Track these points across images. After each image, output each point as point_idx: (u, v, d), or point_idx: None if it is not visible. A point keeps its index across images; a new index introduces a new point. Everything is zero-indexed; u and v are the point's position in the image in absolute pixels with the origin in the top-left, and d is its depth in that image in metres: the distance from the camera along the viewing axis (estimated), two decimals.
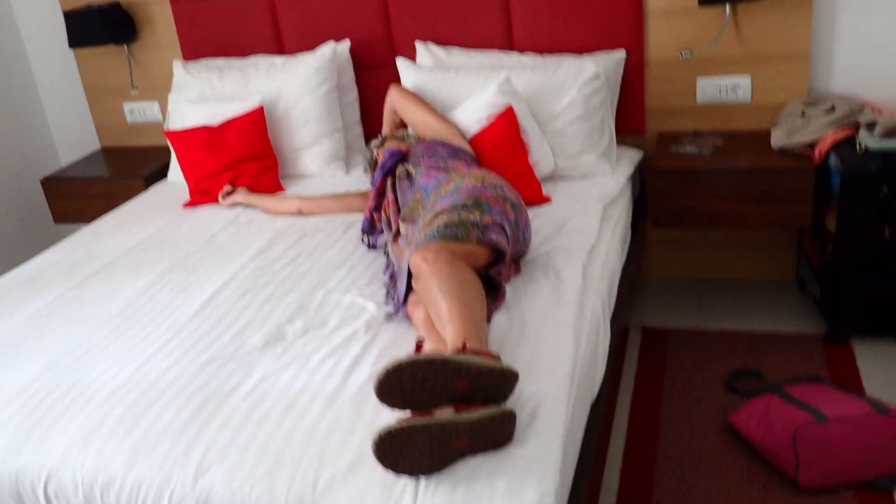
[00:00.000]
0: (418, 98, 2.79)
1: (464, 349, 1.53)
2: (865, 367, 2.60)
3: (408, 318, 1.97)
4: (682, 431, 2.39)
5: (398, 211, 2.28)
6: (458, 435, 1.42)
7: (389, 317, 2.00)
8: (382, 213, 2.36)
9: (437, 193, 2.17)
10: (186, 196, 3.03)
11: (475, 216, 1.96)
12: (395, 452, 1.39)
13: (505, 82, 2.69)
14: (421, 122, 2.69)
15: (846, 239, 2.57)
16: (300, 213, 2.73)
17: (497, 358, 1.54)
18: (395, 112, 2.85)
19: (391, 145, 2.59)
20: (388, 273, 2.20)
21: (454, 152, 2.47)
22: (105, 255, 2.60)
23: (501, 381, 1.50)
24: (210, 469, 1.55)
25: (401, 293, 1.96)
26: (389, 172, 2.38)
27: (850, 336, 2.75)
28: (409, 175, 2.33)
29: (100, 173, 3.45)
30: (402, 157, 2.42)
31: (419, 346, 1.54)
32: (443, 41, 3.12)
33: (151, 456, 1.59)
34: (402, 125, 2.88)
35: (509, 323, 1.91)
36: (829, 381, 2.39)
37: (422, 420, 1.39)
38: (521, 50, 3.04)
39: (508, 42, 3.06)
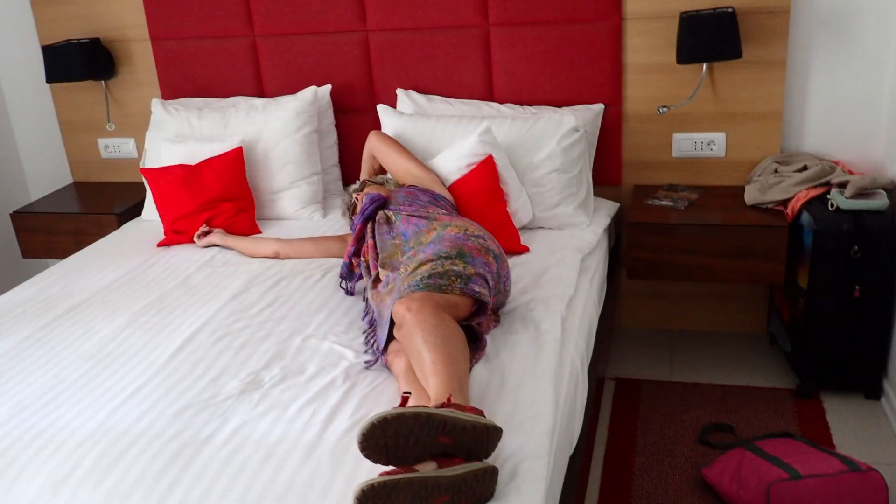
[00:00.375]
0: (399, 144, 2.81)
1: (448, 404, 1.52)
2: (835, 421, 2.63)
3: (387, 367, 1.95)
4: (656, 484, 2.39)
5: (377, 256, 2.28)
6: (441, 491, 1.41)
7: (369, 365, 1.98)
8: (362, 258, 2.36)
9: (418, 241, 2.18)
10: (161, 235, 3.00)
11: (459, 267, 1.97)
12: None
13: (485, 132, 2.72)
14: (402, 169, 2.70)
15: (817, 295, 2.62)
16: (277, 255, 2.71)
17: (481, 413, 1.53)
18: (374, 158, 2.86)
19: (371, 190, 2.60)
20: (367, 319, 2.19)
21: (434, 199, 2.49)
22: (78, 293, 2.55)
23: (485, 438, 1.49)
24: None
25: (381, 341, 1.95)
26: (370, 218, 2.39)
27: (820, 391, 2.79)
28: (388, 221, 2.33)
29: (71, 209, 3.41)
30: (382, 203, 2.42)
31: (405, 400, 1.53)
32: (424, 89, 3.16)
33: None
34: (381, 171, 2.89)
35: (489, 375, 1.90)
36: (800, 436, 2.41)
37: (405, 476, 1.38)
38: (502, 101, 3.08)
39: (489, 93, 3.10)
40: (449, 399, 1.54)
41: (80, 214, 3.34)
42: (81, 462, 1.67)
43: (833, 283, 2.59)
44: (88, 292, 2.55)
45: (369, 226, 2.37)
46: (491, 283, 2.03)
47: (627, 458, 2.52)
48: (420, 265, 2.01)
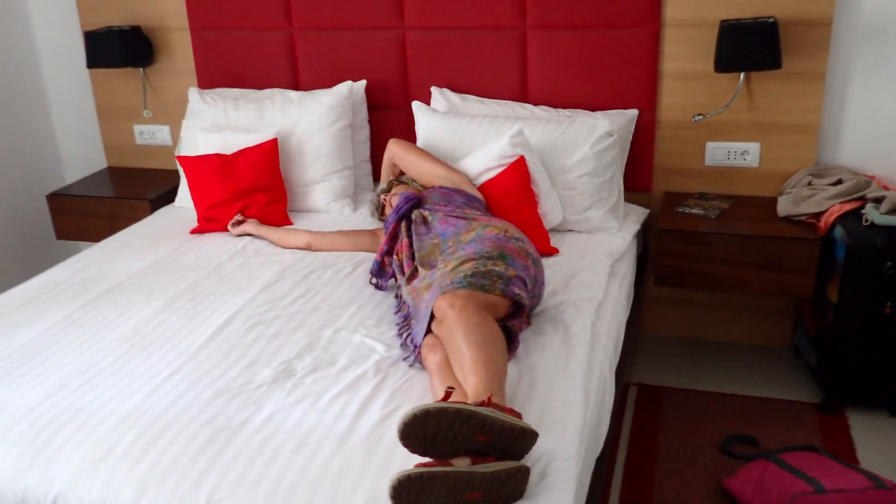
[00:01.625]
0: (421, 149, 2.82)
1: (489, 403, 1.54)
2: (860, 438, 2.62)
3: (419, 362, 1.97)
4: (677, 491, 2.39)
5: (412, 255, 2.30)
6: (475, 487, 1.42)
7: (405, 360, 2.00)
8: (395, 256, 2.38)
9: (457, 240, 2.19)
10: (194, 222, 3.04)
11: (500, 268, 1.99)
12: (412, 498, 1.39)
13: (517, 134, 2.73)
14: (430, 173, 2.70)
15: (847, 310, 2.61)
16: (309, 247, 2.74)
17: (519, 416, 1.55)
18: (394, 166, 2.86)
19: (400, 190, 2.62)
20: (399, 315, 2.21)
21: (469, 201, 2.51)
22: (113, 276, 2.59)
23: (521, 440, 1.51)
24: None
25: (418, 336, 1.97)
26: (404, 217, 2.41)
27: (845, 406, 2.78)
28: (425, 221, 2.35)
29: (105, 193, 3.45)
30: (416, 202, 2.44)
31: (448, 395, 1.55)
32: (458, 88, 3.17)
33: (160, 487, 1.58)
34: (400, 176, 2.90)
35: (519, 375, 1.92)
36: (824, 450, 2.41)
37: (441, 469, 1.39)
38: (536, 102, 3.09)
39: (523, 94, 3.11)
40: (489, 398, 1.56)
41: (114, 199, 3.39)
42: (119, 443, 1.70)
43: (864, 298, 2.58)
44: (123, 276, 2.59)
45: (403, 225, 2.39)
46: (529, 285, 2.04)
47: (649, 464, 2.52)
48: (462, 262, 2.02)
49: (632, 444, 2.63)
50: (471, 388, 1.65)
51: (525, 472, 1.49)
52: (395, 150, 2.82)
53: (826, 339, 2.71)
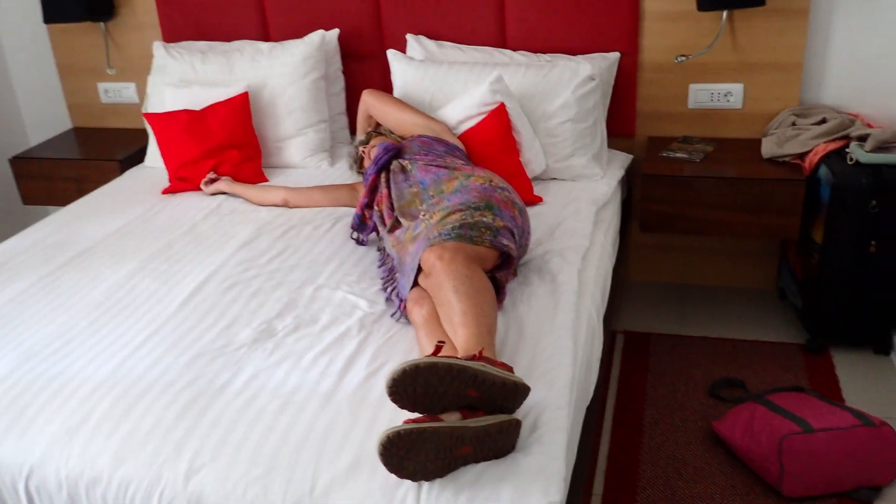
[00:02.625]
0: (397, 99, 2.73)
1: (479, 357, 1.49)
2: (845, 377, 2.62)
3: (405, 316, 1.92)
4: (666, 438, 2.39)
5: (391, 206, 2.23)
6: (465, 442, 1.39)
7: (392, 315, 1.95)
8: (375, 208, 2.31)
9: (438, 189, 2.13)
10: (165, 182, 2.94)
11: (488, 218, 1.93)
12: (402, 455, 1.35)
13: (497, 80, 2.65)
14: (408, 122, 2.62)
15: (833, 250, 2.59)
16: (286, 204, 2.66)
17: (510, 369, 1.51)
18: (369, 118, 2.77)
19: (379, 141, 2.54)
20: (383, 268, 2.15)
21: (450, 149, 2.44)
22: (82, 240, 2.50)
23: (513, 395, 1.47)
24: (202, 469, 1.49)
25: (404, 289, 1.92)
26: (383, 168, 2.33)
27: (830, 346, 2.77)
28: (404, 170, 2.28)
29: (72, 154, 3.34)
30: (396, 153, 2.37)
31: (438, 349, 1.50)
32: (434, 35, 3.07)
33: (139, 454, 1.53)
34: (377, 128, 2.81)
35: (506, 327, 1.88)
36: (811, 391, 2.41)
37: (431, 425, 1.36)
38: (515, 48, 3.00)
39: (501, 40, 3.02)
40: (480, 352, 1.51)
41: (81, 160, 3.28)
42: (95, 409, 1.65)
43: (849, 237, 2.55)
44: (94, 240, 2.50)
45: (383, 176, 2.32)
46: (516, 236, 1.99)
47: (638, 411, 2.51)
48: (449, 214, 1.97)
49: (620, 391, 2.62)
50: (461, 341, 1.60)
51: (516, 425, 1.46)
52: (369, 101, 2.73)
53: (811, 280, 2.70)
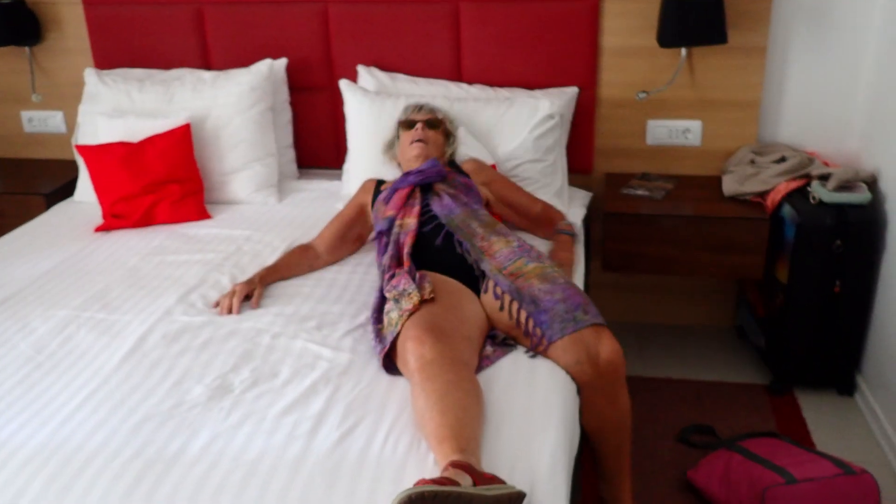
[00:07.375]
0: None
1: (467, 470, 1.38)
2: (812, 418, 2.59)
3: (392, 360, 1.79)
4: (642, 484, 2.29)
5: (420, 222, 2.17)
6: None
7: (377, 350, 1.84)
8: (397, 223, 2.19)
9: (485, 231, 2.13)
10: (98, 219, 2.72)
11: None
12: None
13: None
14: (525, 209, 2.52)
15: (798, 290, 2.56)
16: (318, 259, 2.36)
17: (503, 483, 1.39)
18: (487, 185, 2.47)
19: (431, 152, 2.44)
20: (377, 298, 2.00)
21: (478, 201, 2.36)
22: (7, 283, 2.26)
23: None
24: None
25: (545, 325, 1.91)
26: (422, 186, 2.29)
27: (794, 387, 2.74)
28: (438, 194, 2.25)
29: None
30: (441, 179, 2.31)
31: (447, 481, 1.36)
32: (387, 66, 2.96)
33: None
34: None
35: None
36: (783, 436, 2.35)
37: (450, 488, 1.25)
38: (471, 81, 2.91)
39: (457, 72, 2.93)
40: (485, 475, 1.39)
41: (2, 194, 3.02)
42: (29, 485, 1.44)
43: (814, 277, 2.53)
44: (19, 283, 2.27)
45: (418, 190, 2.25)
46: None
47: None
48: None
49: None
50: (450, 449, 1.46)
51: (520, 497, 1.33)
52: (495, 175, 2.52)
53: (776, 320, 2.66)
